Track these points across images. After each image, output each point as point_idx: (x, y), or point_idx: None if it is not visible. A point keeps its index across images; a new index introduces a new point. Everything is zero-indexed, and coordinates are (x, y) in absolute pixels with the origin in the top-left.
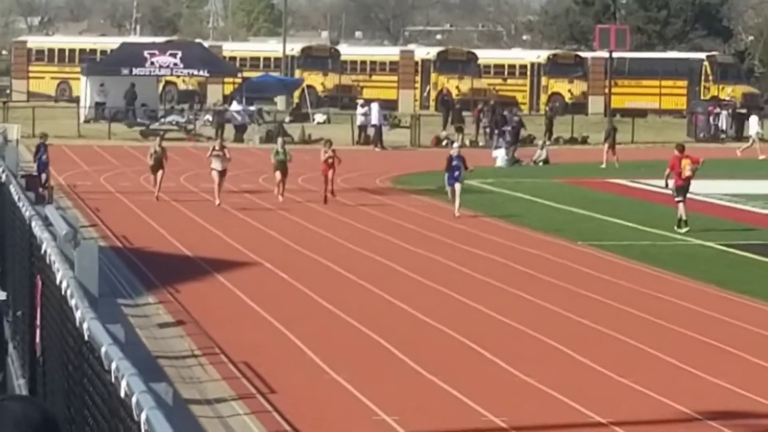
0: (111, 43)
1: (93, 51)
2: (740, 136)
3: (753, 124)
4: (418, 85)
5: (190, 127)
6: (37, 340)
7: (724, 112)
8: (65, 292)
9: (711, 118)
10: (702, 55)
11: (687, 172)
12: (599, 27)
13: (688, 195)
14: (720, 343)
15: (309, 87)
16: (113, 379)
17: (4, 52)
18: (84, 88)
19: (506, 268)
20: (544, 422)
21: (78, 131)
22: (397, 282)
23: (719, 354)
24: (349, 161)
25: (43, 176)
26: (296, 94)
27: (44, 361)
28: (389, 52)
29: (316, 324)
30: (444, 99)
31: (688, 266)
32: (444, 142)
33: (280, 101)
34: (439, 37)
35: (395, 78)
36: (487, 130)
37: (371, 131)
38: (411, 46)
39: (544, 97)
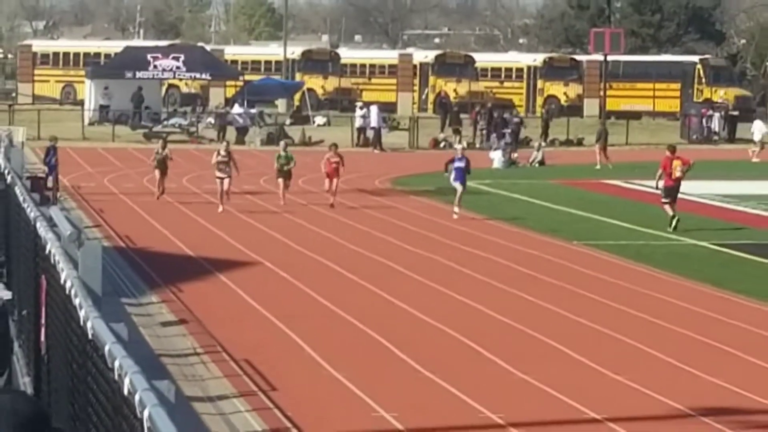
0: (115, 46)
1: (97, 55)
2: (732, 138)
3: (757, 130)
4: (416, 88)
5: (193, 129)
6: (42, 338)
7: (717, 115)
8: (69, 291)
9: (704, 121)
10: (695, 59)
11: (677, 173)
12: (594, 30)
13: (679, 195)
14: (717, 342)
15: (309, 90)
16: (116, 377)
17: (9, 55)
18: (88, 91)
19: (505, 269)
20: (541, 419)
21: (82, 134)
22: (396, 282)
23: (716, 353)
24: (348, 163)
25: (50, 179)
26: (297, 96)
27: (49, 359)
28: (388, 56)
29: (316, 323)
30: (442, 102)
31: (683, 266)
32: (442, 144)
33: (281, 104)
34: (437, 40)
35: (394, 81)
36: (484, 132)
37: (370, 133)
38: (410, 50)
39: (540, 100)
